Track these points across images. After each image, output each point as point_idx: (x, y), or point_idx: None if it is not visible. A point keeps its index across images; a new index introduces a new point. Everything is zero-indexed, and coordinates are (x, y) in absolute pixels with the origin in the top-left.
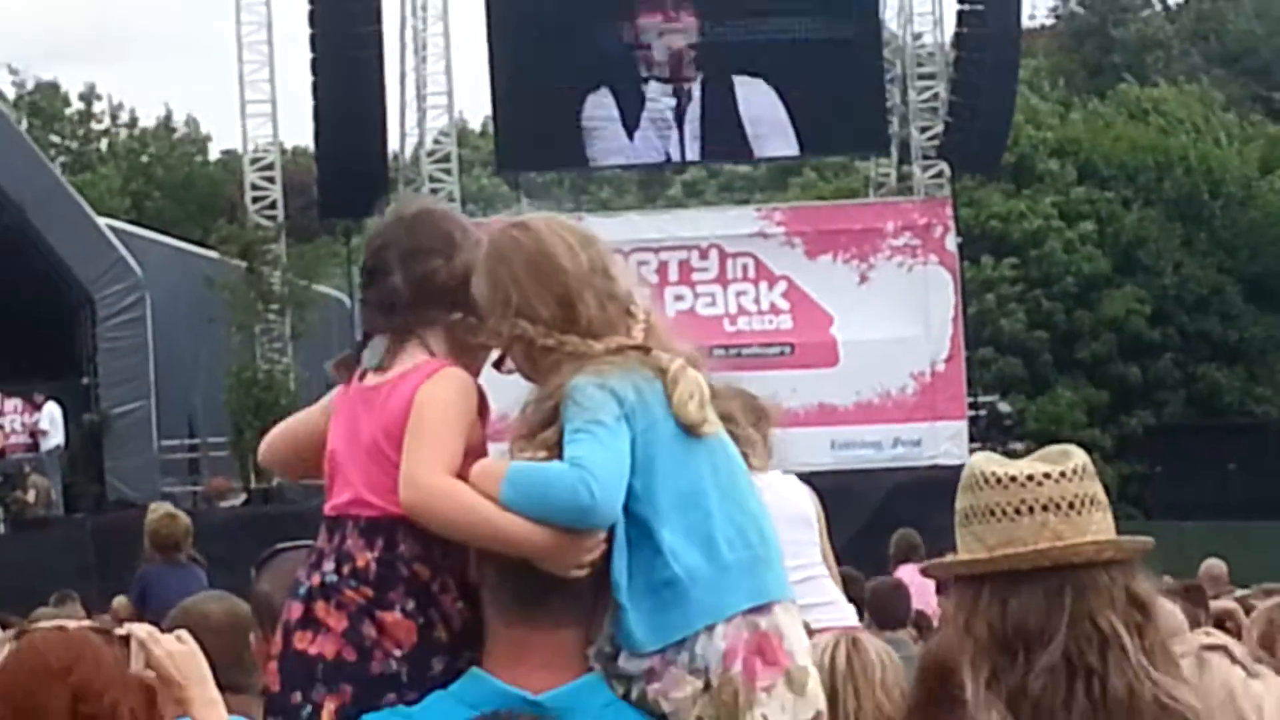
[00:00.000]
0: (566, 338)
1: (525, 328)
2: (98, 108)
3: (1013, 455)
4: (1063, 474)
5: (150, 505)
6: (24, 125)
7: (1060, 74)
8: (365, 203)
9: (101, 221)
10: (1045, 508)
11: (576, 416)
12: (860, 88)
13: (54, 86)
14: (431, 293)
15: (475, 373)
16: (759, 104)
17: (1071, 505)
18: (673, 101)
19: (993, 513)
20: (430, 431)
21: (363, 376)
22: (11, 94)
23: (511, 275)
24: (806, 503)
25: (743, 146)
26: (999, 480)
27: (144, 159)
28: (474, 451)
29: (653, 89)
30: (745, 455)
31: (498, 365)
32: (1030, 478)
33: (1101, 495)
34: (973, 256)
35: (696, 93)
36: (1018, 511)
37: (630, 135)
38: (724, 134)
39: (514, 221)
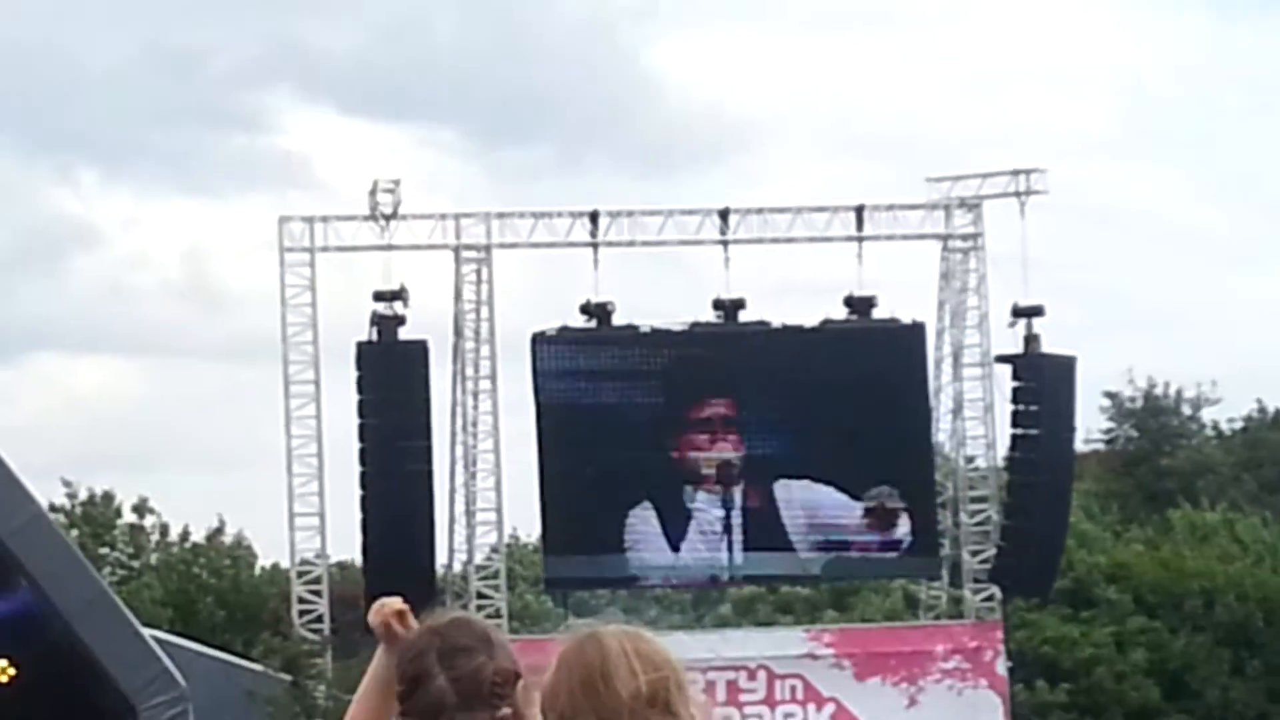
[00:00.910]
0: None
1: None
2: (149, 521)
3: None
4: None
5: None
6: (75, 533)
7: (1113, 498)
8: (414, 617)
9: (146, 632)
10: None
11: None
12: (913, 510)
13: (108, 497)
14: (479, 690)
15: None
16: (798, 505)
17: None
18: (721, 512)
19: None
20: None
21: None
22: (65, 504)
23: (568, 686)
24: None
25: (787, 551)
26: None
27: (194, 570)
28: None
29: (700, 499)
30: None
31: None
32: None
33: None
34: (1027, 680)
35: (738, 500)
36: None
37: (676, 548)
38: (768, 539)
39: (591, 632)
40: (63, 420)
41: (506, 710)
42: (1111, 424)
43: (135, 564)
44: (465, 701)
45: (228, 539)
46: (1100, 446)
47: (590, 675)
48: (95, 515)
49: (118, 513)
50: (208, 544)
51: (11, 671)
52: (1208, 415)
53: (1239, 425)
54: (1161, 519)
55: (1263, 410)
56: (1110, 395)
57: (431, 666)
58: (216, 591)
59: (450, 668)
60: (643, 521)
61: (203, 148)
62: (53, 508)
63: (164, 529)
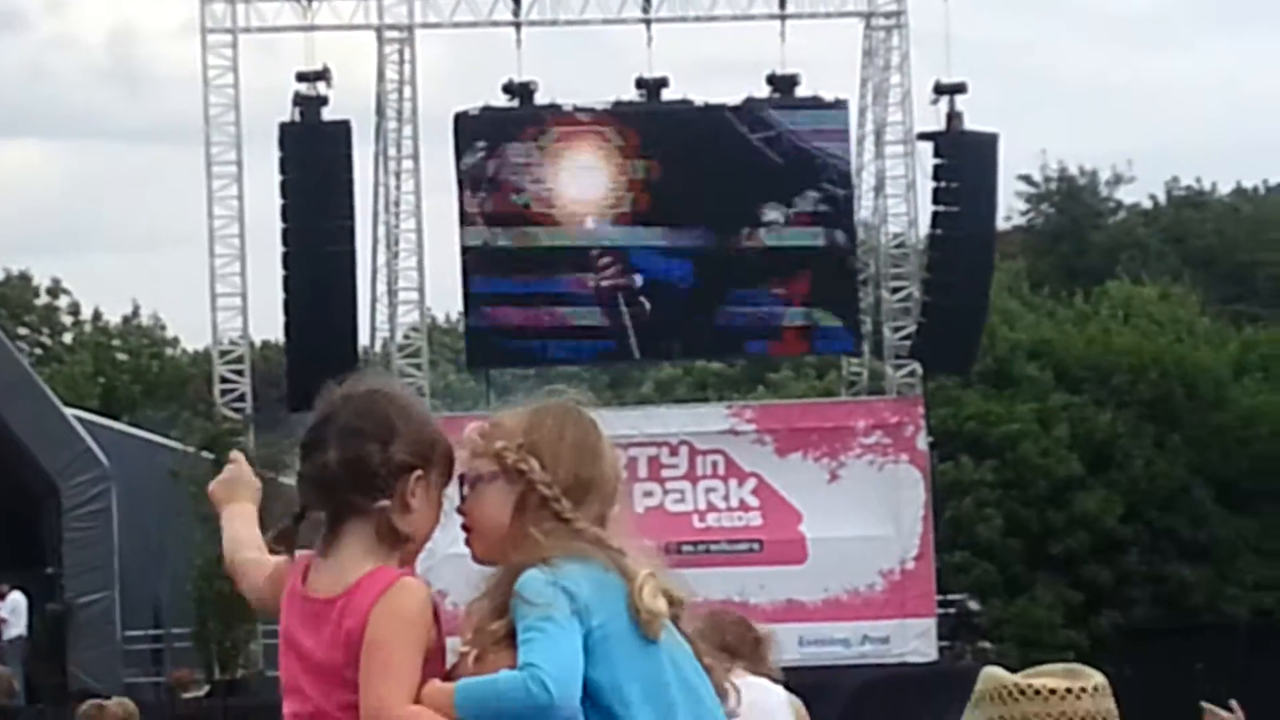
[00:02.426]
0: (564, 499)
1: (534, 466)
2: (63, 301)
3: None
4: (1093, 689)
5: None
6: None
7: (1036, 276)
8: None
9: (69, 412)
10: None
11: (528, 614)
12: (835, 286)
13: (24, 278)
14: (362, 477)
15: (402, 562)
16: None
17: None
18: (640, 300)
19: None
20: (389, 657)
21: (305, 575)
22: None
23: (559, 433)
24: (784, 713)
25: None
26: (1037, 692)
27: (112, 351)
28: (432, 657)
29: (611, 282)
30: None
31: (462, 489)
32: (1069, 691)
33: (1116, 713)
34: (951, 455)
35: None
36: None
37: (589, 328)
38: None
39: (595, 411)
40: None
41: (385, 502)
42: (1028, 206)
43: (49, 343)
44: (348, 483)
45: (144, 321)
46: (1023, 224)
47: (586, 442)
48: (12, 296)
49: (35, 293)
50: (124, 325)
51: None
52: (1125, 194)
53: (1154, 204)
54: (1098, 291)
55: (1181, 187)
56: (1025, 179)
57: (329, 439)
58: (135, 372)
59: (342, 447)
60: (563, 302)
61: None
62: None
63: (75, 308)
